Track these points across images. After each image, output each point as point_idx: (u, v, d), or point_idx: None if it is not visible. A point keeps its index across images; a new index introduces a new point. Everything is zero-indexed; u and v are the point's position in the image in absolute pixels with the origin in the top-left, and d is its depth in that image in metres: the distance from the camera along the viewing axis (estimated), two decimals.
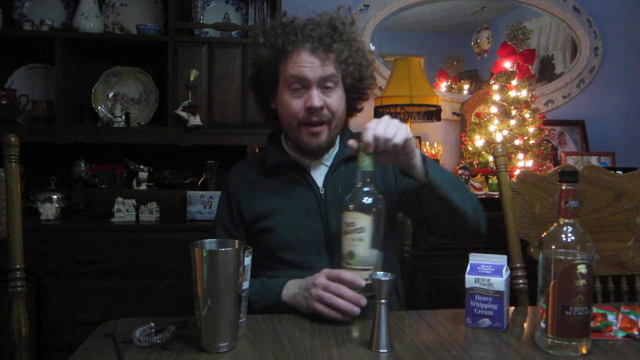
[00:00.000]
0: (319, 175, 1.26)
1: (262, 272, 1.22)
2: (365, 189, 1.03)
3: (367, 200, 1.02)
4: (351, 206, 1.02)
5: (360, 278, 1.01)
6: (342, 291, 1.01)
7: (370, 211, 1.01)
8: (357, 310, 1.00)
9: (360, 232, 1.00)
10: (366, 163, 1.03)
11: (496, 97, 2.63)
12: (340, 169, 1.26)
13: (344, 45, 1.20)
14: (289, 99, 1.20)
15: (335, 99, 1.21)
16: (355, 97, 1.29)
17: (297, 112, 1.20)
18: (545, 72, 2.99)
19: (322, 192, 1.23)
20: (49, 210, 2.20)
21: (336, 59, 1.19)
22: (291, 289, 1.11)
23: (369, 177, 1.03)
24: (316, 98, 1.17)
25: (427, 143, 2.84)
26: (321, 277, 1.04)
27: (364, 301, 1.01)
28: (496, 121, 2.61)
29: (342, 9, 1.26)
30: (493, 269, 1.00)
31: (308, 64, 1.17)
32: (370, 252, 1.02)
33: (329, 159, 1.28)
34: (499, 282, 0.99)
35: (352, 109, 1.32)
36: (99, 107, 2.53)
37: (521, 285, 1.39)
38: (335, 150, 1.29)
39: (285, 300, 1.10)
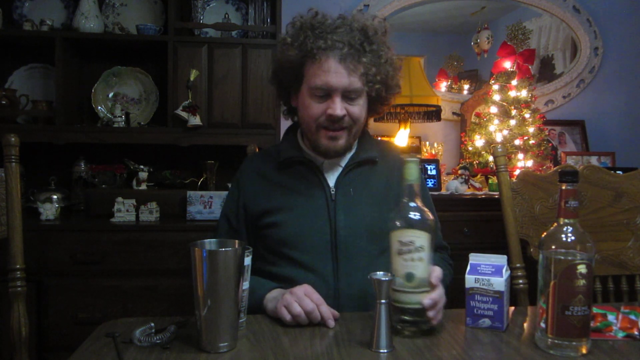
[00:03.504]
0: (331, 175, 1.25)
1: (267, 267, 1.22)
2: (412, 204, 0.96)
3: (421, 215, 0.95)
4: (402, 223, 0.95)
5: (331, 318, 1.01)
6: (311, 309, 1.00)
7: (428, 227, 0.95)
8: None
9: (420, 251, 0.93)
10: (415, 176, 0.96)
11: (496, 97, 2.63)
12: (355, 171, 1.25)
13: (373, 56, 1.18)
14: (311, 102, 1.19)
15: (358, 108, 1.20)
16: (379, 103, 1.28)
17: (317, 115, 1.19)
18: (545, 72, 2.99)
19: (332, 192, 1.22)
20: (49, 210, 2.20)
21: (364, 71, 1.16)
22: (273, 293, 1.11)
23: (416, 190, 0.97)
24: (338, 107, 1.16)
25: (427, 143, 2.84)
26: (300, 289, 1.04)
27: (331, 323, 1.01)
28: (496, 121, 2.61)
29: (377, 19, 1.24)
30: (493, 269, 1.00)
31: (334, 72, 1.15)
32: (428, 271, 0.96)
33: (343, 159, 1.27)
34: (499, 282, 0.99)
35: (374, 112, 1.31)
36: (99, 107, 2.53)
37: (521, 285, 1.39)
38: (351, 151, 1.28)
39: (265, 302, 1.10)
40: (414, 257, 0.93)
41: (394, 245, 0.95)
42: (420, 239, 0.93)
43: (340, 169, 1.26)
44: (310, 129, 1.22)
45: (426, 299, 0.94)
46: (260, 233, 1.25)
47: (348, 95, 1.17)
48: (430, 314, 0.94)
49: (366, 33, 1.18)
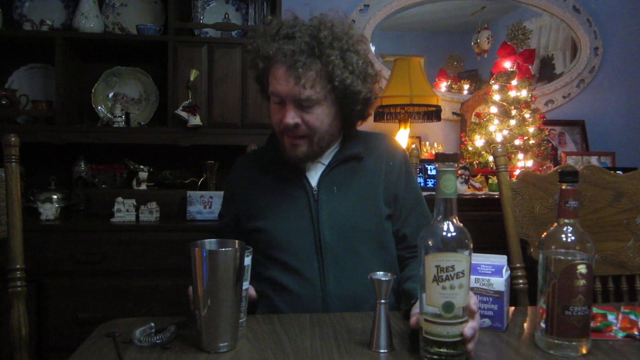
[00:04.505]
0: (314, 174, 1.24)
1: (258, 269, 1.22)
2: (449, 222, 0.85)
3: (460, 235, 0.84)
4: (439, 245, 0.83)
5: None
6: None
7: (468, 247, 0.84)
8: None
9: (460, 277, 0.82)
10: (452, 189, 0.84)
11: (496, 97, 2.63)
12: (338, 168, 1.23)
13: (322, 61, 1.13)
14: (272, 109, 1.21)
15: (316, 116, 1.16)
16: (349, 110, 1.21)
17: (277, 122, 1.19)
18: (545, 72, 2.99)
19: (315, 193, 1.21)
20: (49, 210, 2.20)
21: (314, 78, 1.12)
22: None
23: (454, 205, 0.85)
24: (289, 116, 1.14)
25: (427, 143, 2.84)
26: None
27: None
28: (496, 121, 2.61)
29: (330, 17, 1.17)
30: (493, 269, 1.00)
31: (283, 81, 1.13)
32: (468, 299, 0.84)
33: (327, 157, 1.25)
34: (499, 282, 0.99)
35: (354, 117, 1.25)
36: (99, 107, 2.53)
37: (521, 285, 1.39)
38: (335, 149, 1.26)
39: None
40: (454, 284, 0.81)
41: (429, 271, 0.83)
42: (461, 262, 0.82)
43: (323, 168, 1.24)
44: (276, 134, 1.23)
45: (468, 329, 0.83)
46: (249, 236, 1.25)
47: (302, 104, 1.14)
48: (470, 346, 0.84)
49: (318, 39, 1.13)
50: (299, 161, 1.22)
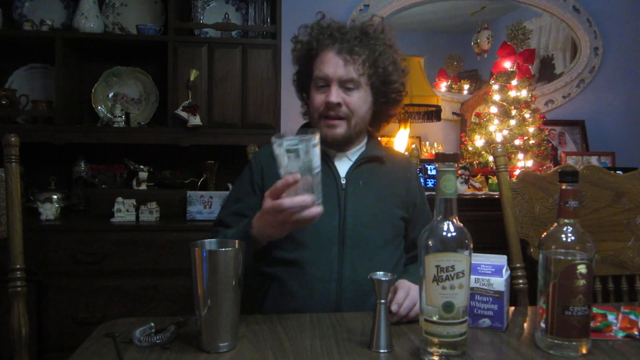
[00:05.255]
0: (342, 167, 1.32)
1: (275, 250, 1.24)
2: (450, 222, 0.85)
3: (461, 236, 0.84)
4: (439, 245, 0.83)
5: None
6: (295, 207, 1.00)
7: (468, 247, 0.84)
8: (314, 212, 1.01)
9: (460, 277, 0.82)
10: (452, 189, 0.85)
11: (496, 97, 2.63)
12: (364, 166, 1.32)
13: (370, 49, 1.27)
14: (314, 93, 1.30)
15: (356, 99, 1.27)
16: (383, 101, 1.33)
17: (318, 105, 1.28)
18: (545, 72, 2.99)
19: (343, 182, 1.28)
20: (49, 210, 2.20)
21: (361, 62, 1.25)
22: (256, 224, 1.10)
23: (454, 205, 0.85)
24: (334, 94, 1.25)
25: (427, 143, 2.84)
26: (267, 202, 1.02)
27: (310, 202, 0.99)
28: (496, 121, 2.61)
29: (376, 17, 1.37)
30: (493, 269, 1.00)
31: (332, 63, 1.25)
32: (468, 298, 0.85)
33: (354, 154, 1.34)
34: (499, 282, 0.99)
35: (382, 114, 1.37)
36: (99, 107, 2.53)
37: (521, 285, 1.39)
38: (361, 148, 1.35)
39: (255, 234, 1.10)
40: (454, 284, 0.82)
41: (429, 270, 0.83)
42: (461, 263, 0.82)
43: (350, 163, 1.33)
44: (314, 120, 1.32)
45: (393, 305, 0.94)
46: None
47: (345, 85, 1.26)
48: (394, 307, 0.97)
49: (365, 30, 1.29)
50: (335, 143, 1.30)
